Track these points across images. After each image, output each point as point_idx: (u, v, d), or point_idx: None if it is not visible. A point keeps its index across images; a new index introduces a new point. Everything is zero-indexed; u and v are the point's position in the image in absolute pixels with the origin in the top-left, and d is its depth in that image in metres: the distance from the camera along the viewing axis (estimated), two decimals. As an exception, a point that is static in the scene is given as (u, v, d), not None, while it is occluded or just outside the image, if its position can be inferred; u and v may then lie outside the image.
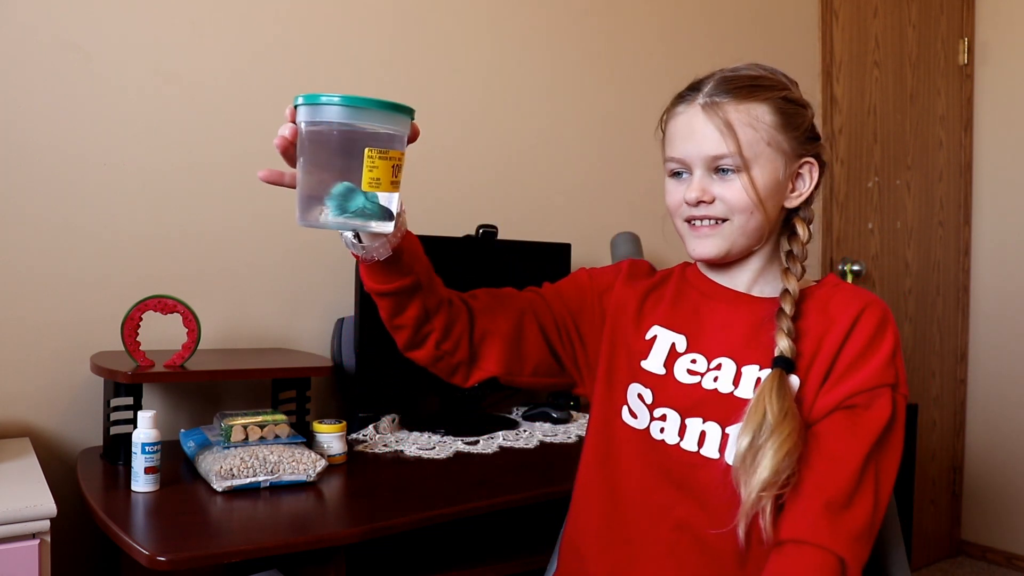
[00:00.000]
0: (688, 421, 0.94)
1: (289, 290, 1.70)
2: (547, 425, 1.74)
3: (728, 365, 0.95)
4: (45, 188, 1.45)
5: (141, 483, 1.18)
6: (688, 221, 0.98)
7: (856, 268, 2.67)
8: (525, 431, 1.67)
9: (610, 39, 2.16)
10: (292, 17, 1.70)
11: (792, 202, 0.98)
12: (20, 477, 1.17)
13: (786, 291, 0.95)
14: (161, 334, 1.50)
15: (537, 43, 2.04)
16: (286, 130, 0.84)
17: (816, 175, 0.98)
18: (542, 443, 1.60)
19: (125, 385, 1.32)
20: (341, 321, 1.67)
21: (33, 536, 1.05)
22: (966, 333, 3.04)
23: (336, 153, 0.75)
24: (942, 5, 2.93)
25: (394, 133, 0.75)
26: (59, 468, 1.43)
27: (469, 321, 1.01)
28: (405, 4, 1.83)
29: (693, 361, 0.97)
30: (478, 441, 1.57)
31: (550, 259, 1.82)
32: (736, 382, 0.93)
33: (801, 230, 0.98)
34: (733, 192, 0.94)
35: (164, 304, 1.33)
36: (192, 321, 1.36)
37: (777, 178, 0.95)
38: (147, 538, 1.01)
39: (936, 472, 2.96)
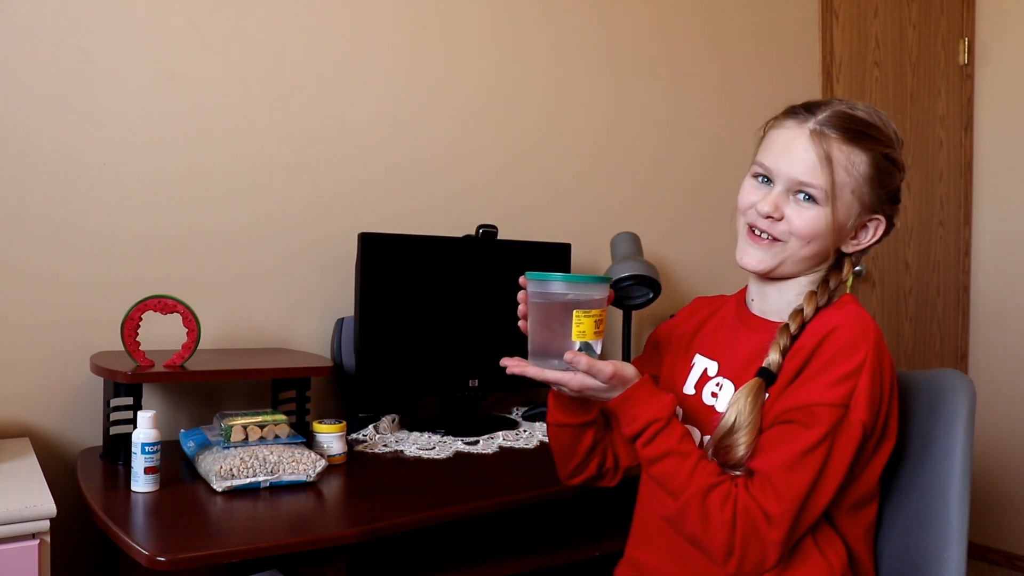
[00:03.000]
0: (706, 439, 1.03)
1: (289, 290, 1.70)
2: (546, 425, 1.74)
3: (727, 384, 1.04)
4: (45, 188, 1.45)
5: (141, 483, 1.18)
6: (750, 228, 1.02)
7: (856, 268, 2.65)
8: (525, 431, 1.67)
9: (610, 39, 2.16)
10: (292, 17, 1.70)
11: (849, 248, 1.03)
12: (20, 477, 1.17)
13: (799, 311, 1.00)
14: (161, 334, 1.50)
15: (537, 43, 2.03)
16: (520, 297, 1.04)
17: (881, 232, 1.03)
18: (542, 443, 1.59)
19: (125, 385, 1.32)
20: (341, 321, 1.67)
21: (33, 536, 1.05)
22: (966, 333, 3.04)
23: (557, 316, 0.98)
24: (942, 5, 2.93)
25: (597, 297, 0.98)
26: (59, 468, 1.43)
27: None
28: (406, 5, 1.83)
29: (718, 385, 1.05)
30: (478, 441, 1.57)
31: (550, 259, 1.82)
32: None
33: (846, 270, 1.04)
34: (803, 220, 0.98)
35: (164, 304, 1.33)
36: (192, 321, 1.35)
37: (846, 224, 1.00)
38: (147, 538, 1.01)
39: (936, 472, 2.95)
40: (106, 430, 1.35)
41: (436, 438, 1.58)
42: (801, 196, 0.98)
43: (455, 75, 1.91)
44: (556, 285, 0.97)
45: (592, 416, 1.08)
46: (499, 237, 1.79)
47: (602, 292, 0.99)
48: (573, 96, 2.10)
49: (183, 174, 1.58)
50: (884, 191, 1.01)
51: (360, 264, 1.58)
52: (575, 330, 0.96)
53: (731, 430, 0.94)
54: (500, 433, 1.63)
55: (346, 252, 1.69)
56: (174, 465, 1.33)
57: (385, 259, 1.61)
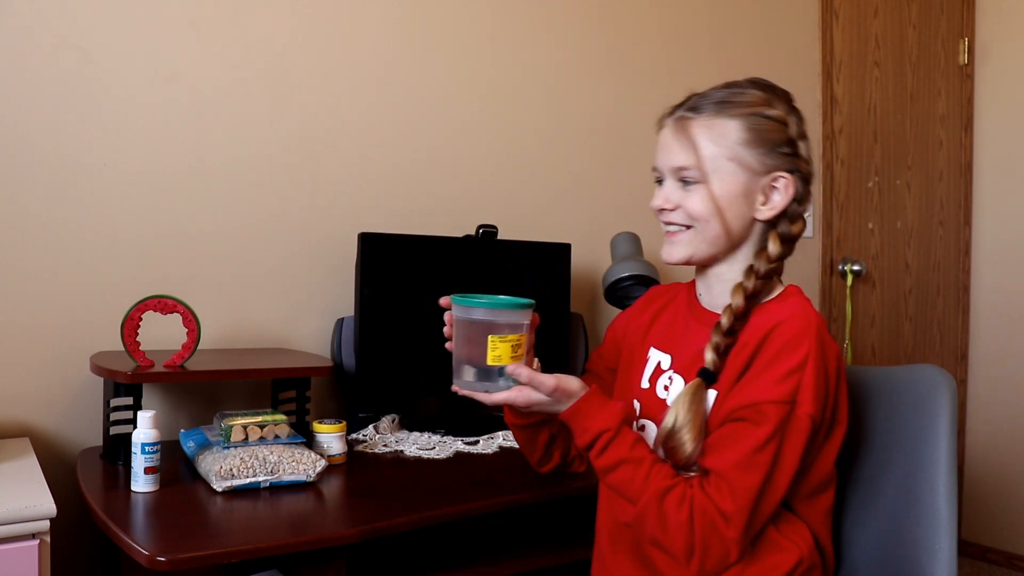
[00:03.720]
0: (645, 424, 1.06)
1: (289, 290, 1.70)
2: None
3: (677, 379, 1.04)
4: (45, 188, 1.45)
5: (141, 483, 1.18)
6: (666, 226, 1.06)
7: (856, 268, 2.66)
8: (525, 431, 1.67)
9: (610, 39, 2.16)
10: (292, 18, 1.70)
11: (763, 214, 1.02)
12: (20, 477, 1.17)
13: (728, 306, 1.00)
14: (161, 334, 1.50)
15: (537, 43, 2.03)
16: (446, 318, 1.08)
17: (793, 190, 1.01)
18: (542, 443, 1.59)
19: (125, 385, 1.32)
20: (341, 321, 1.67)
21: (33, 536, 1.05)
22: (966, 333, 3.03)
23: (477, 339, 1.00)
24: (942, 5, 2.93)
25: (515, 323, 1.00)
26: (59, 468, 1.43)
27: None
28: (406, 5, 1.83)
29: (670, 379, 1.06)
30: (478, 441, 1.57)
31: (550, 259, 1.82)
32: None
33: (772, 245, 1.01)
34: (693, 202, 1.01)
35: (164, 304, 1.33)
36: (192, 321, 1.35)
37: (739, 191, 1.00)
38: (147, 538, 1.01)
39: (936, 472, 2.95)
40: (106, 430, 1.35)
41: (436, 438, 1.58)
42: (683, 181, 1.02)
43: (455, 75, 1.91)
44: (476, 311, 0.99)
45: (540, 417, 1.12)
46: (499, 237, 1.79)
47: (519, 318, 1.00)
48: (573, 96, 2.10)
49: (183, 174, 1.58)
50: (771, 148, 1.00)
51: (360, 264, 1.58)
52: (490, 355, 0.98)
53: (672, 431, 0.96)
54: (500, 433, 1.63)
55: (346, 252, 1.69)
56: (174, 465, 1.33)
57: (385, 259, 1.61)
